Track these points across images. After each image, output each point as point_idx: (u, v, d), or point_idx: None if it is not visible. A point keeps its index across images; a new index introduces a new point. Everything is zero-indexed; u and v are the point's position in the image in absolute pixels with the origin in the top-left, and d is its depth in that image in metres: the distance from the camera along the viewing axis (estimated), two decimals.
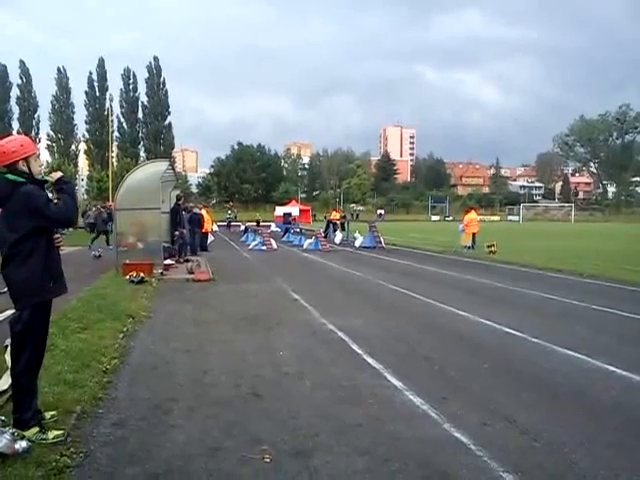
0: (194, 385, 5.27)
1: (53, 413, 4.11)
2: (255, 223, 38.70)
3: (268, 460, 3.66)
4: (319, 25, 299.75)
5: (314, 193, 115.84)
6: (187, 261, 16.24)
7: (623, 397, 5.08)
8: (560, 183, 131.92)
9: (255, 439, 3.98)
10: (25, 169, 3.81)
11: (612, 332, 8.02)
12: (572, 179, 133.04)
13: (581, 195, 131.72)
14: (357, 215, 36.29)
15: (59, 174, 4.00)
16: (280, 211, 52.82)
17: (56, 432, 3.82)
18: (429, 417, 4.51)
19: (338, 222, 32.82)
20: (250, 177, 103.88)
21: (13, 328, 3.82)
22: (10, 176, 3.76)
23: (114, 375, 5.45)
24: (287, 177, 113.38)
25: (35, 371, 3.92)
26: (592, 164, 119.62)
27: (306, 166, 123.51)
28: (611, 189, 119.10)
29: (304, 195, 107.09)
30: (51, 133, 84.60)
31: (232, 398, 4.90)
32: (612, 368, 5.94)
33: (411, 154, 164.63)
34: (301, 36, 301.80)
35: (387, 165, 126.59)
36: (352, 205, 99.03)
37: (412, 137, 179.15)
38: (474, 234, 22.75)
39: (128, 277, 11.99)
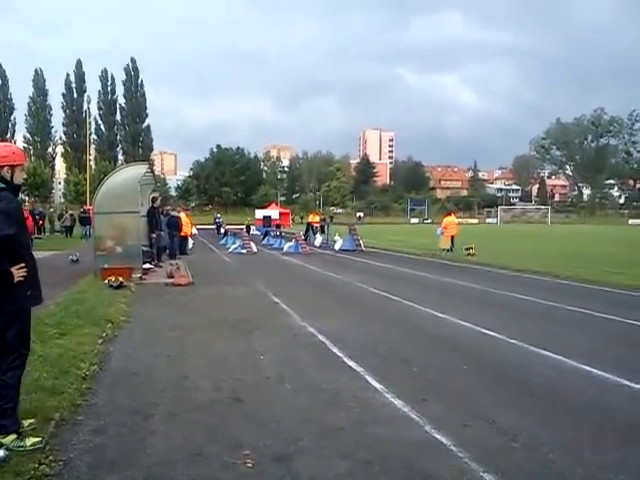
0: (175, 390, 5.24)
1: (32, 421, 4.06)
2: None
3: (250, 465, 3.65)
4: (300, 27, 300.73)
5: (294, 196, 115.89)
6: (158, 267, 16.04)
7: (599, 397, 5.17)
8: (537, 186, 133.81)
9: (237, 444, 3.98)
10: (7, 176, 3.86)
11: (587, 332, 8.17)
12: (548, 182, 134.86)
13: (557, 197, 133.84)
14: (332, 217, 36.00)
15: None
16: (260, 214, 52.65)
17: (34, 439, 3.78)
18: (410, 419, 4.55)
19: (318, 225, 32.86)
20: (229, 180, 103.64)
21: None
22: None
23: (93, 381, 5.39)
24: (267, 180, 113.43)
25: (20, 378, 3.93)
26: (568, 167, 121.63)
27: (286, 169, 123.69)
28: (586, 191, 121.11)
29: (284, 198, 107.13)
30: (27, 135, 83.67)
31: (213, 403, 4.89)
32: (588, 368, 6.04)
33: (390, 157, 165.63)
34: (281, 38, 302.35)
35: (366, 168, 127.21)
36: (332, 208, 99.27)
37: (391, 140, 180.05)
38: (452, 237, 22.96)
39: (107, 282, 11.87)
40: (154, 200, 18.14)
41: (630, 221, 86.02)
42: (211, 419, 4.49)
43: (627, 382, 5.54)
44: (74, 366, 5.62)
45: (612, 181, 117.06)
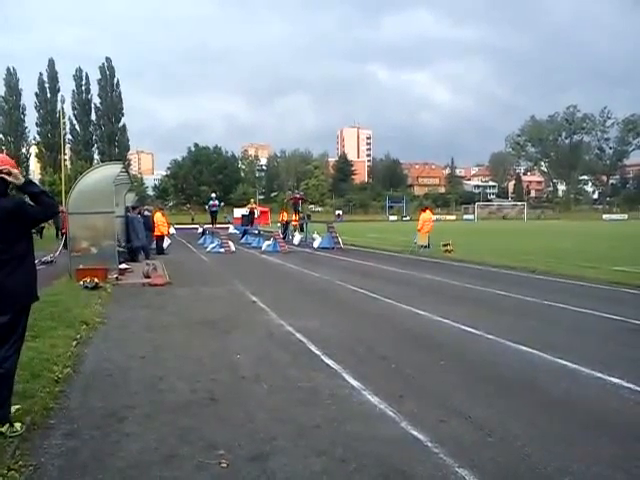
0: (150, 392, 5.18)
1: (18, 406, 4.34)
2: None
3: (225, 465, 3.62)
4: (273, 24, 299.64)
5: (272, 194, 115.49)
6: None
7: (572, 390, 5.24)
8: (513, 182, 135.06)
9: (211, 445, 3.94)
10: None
11: (563, 326, 8.27)
12: (524, 178, 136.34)
13: (533, 194, 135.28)
14: (309, 216, 35.09)
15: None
16: (238, 213, 52.30)
17: (18, 423, 4.06)
18: (386, 416, 4.55)
19: (297, 223, 32.78)
20: (207, 179, 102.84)
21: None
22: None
23: (66, 384, 5.31)
24: (245, 179, 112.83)
25: None
26: (543, 163, 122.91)
27: (264, 167, 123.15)
28: (561, 187, 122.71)
29: (262, 197, 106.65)
30: (0, 136, 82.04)
31: (188, 404, 4.84)
32: (562, 362, 6.11)
33: (368, 155, 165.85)
34: (255, 35, 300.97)
35: (344, 166, 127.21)
36: (311, 206, 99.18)
37: (369, 138, 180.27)
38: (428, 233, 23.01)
39: (82, 283, 11.70)
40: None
41: (604, 216, 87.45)
42: (186, 420, 4.44)
43: (601, 375, 5.62)
44: (46, 369, 5.53)
45: (586, 177, 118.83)
